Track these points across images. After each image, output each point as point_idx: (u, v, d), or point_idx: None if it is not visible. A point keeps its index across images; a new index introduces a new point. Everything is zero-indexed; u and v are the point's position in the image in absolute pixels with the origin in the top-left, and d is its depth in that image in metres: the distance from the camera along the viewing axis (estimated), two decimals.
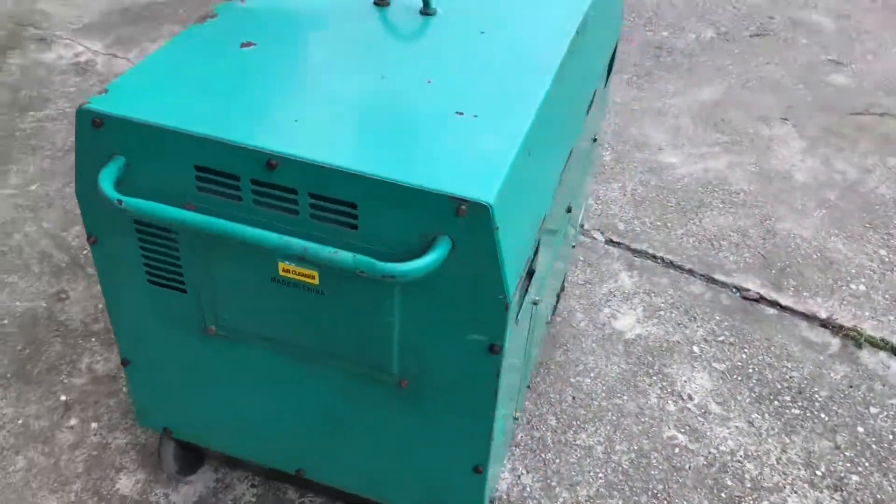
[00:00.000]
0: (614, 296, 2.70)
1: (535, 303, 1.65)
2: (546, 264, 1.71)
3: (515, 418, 1.88)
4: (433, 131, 1.36)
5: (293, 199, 1.31)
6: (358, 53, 1.55)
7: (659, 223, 3.03)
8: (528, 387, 2.03)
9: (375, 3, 1.72)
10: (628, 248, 2.90)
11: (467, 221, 1.24)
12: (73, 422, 2.18)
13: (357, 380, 1.54)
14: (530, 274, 1.54)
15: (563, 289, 2.56)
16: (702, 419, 2.31)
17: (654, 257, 2.87)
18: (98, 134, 1.36)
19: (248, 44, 1.55)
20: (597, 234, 2.95)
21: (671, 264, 2.84)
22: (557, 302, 2.55)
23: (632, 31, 4.35)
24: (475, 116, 1.40)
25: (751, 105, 3.78)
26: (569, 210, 1.90)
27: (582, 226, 2.56)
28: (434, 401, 1.51)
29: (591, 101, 1.84)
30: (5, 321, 2.46)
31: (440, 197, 1.22)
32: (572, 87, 1.67)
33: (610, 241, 2.93)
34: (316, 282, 1.40)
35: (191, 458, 2.00)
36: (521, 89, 1.48)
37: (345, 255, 1.23)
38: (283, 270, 1.41)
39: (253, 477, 2.06)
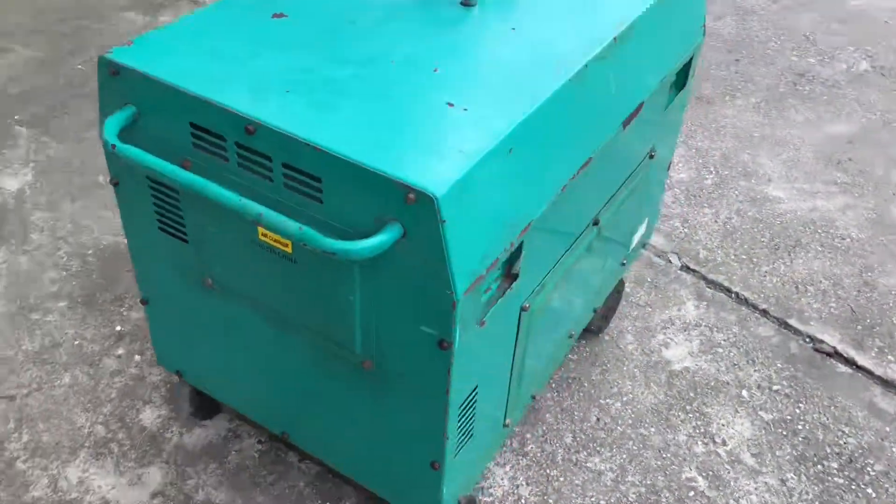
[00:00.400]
0: (673, 324, 2.58)
1: (524, 309, 1.61)
2: (547, 272, 1.66)
3: (506, 425, 1.84)
4: (415, 119, 1.36)
5: (269, 167, 1.36)
6: (379, 36, 1.57)
7: (744, 256, 2.85)
8: (533, 397, 1.98)
9: None
10: (703, 278, 2.75)
11: (416, 210, 1.23)
12: (120, 351, 2.35)
13: (327, 355, 1.56)
14: (512, 277, 1.51)
15: (612, 307, 2.47)
16: (729, 467, 2.17)
17: (728, 291, 2.70)
18: (114, 82, 1.46)
19: (280, 15, 1.61)
20: (673, 258, 2.82)
21: (745, 301, 2.67)
22: (604, 320, 2.46)
23: (775, 54, 4.09)
24: (465, 109, 1.38)
25: (889, 146, 3.47)
26: (595, 223, 1.83)
27: (644, 245, 2.46)
28: (393, 388, 1.51)
29: (633, 114, 1.76)
30: (90, 251, 2.68)
31: (391, 182, 1.22)
32: (599, 94, 1.61)
33: (686, 268, 2.79)
34: (290, 250, 1.44)
35: (206, 403, 2.10)
36: (525, 89, 1.45)
37: (292, 225, 1.26)
38: (262, 234, 1.46)
39: (261, 433, 2.15)
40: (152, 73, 1.40)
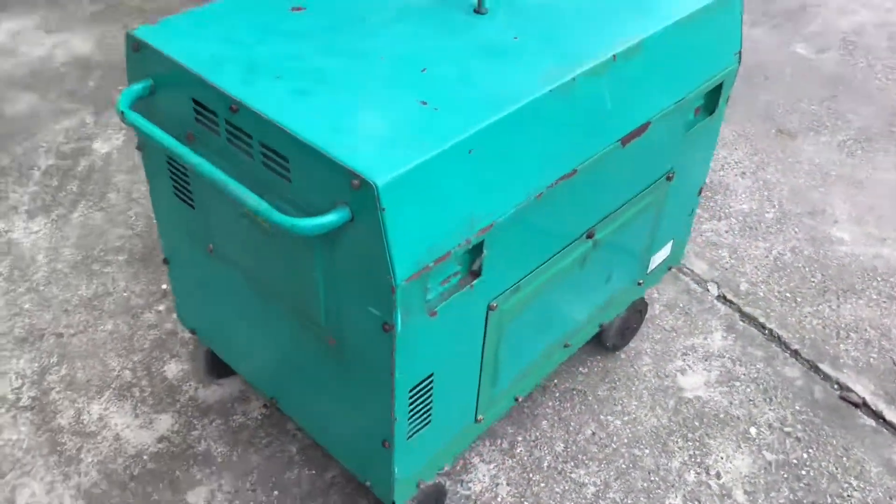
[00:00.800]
0: (695, 351, 2.54)
1: (491, 308, 1.67)
2: (522, 276, 1.71)
3: (478, 421, 1.89)
4: (384, 112, 1.44)
5: (249, 143, 1.48)
6: (383, 35, 1.66)
7: (788, 295, 2.76)
8: (517, 399, 2.01)
9: None
10: (739, 310, 2.69)
11: (360, 196, 1.32)
12: (161, 307, 2.56)
13: (302, 327, 1.67)
14: (474, 273, 1.57)
15: (631, 326, 2.46)
16: (717, 500, 2.13)
17: (762, 327, 2.64)
18: (137, 57, 1.63)
19: (299, 8, 1.73)
20: (711, 287, 2.77)
21: (777, 339, 2.59)
22: (621, 338, 2.46)
23: (878, 93, 3.91)
24: (436, 109, 1.46)
25: None
26: (590, 236, 1.86)
27: (670, 268, 2.44)
28: (351, 365, 1.60)
29: (635, 132, 1.77)
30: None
31: (340, 167, 1.32)
32: (590, 108, 1.64)
33: (722, 298, 2.74)
34: (268, 224, 1.56)
35: (218, 363, 2.25)
36: (504, 96, 1.50)
37: (253, 198, 1.37)
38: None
39: (267, 399, 2.29)
40: (165, 51, 1.56)
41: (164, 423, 2.23)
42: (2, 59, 3.77)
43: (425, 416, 1.68)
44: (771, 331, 2.63)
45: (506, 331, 1.77)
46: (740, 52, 2.06)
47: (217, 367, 2.28)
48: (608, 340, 2.43)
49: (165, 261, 2.03)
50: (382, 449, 1.66)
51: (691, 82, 1.92)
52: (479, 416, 1.89)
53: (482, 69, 1.58)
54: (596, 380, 2.43)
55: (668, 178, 2.06)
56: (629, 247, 2.10)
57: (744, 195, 3.21)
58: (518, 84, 1.54)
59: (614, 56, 1.65)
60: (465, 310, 1.60)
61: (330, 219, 1.34)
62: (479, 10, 1.76)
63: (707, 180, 3.27)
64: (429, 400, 1.66)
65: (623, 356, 2.51)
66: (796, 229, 3.05)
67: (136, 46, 1.61)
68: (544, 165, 1.60)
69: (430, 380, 1.62)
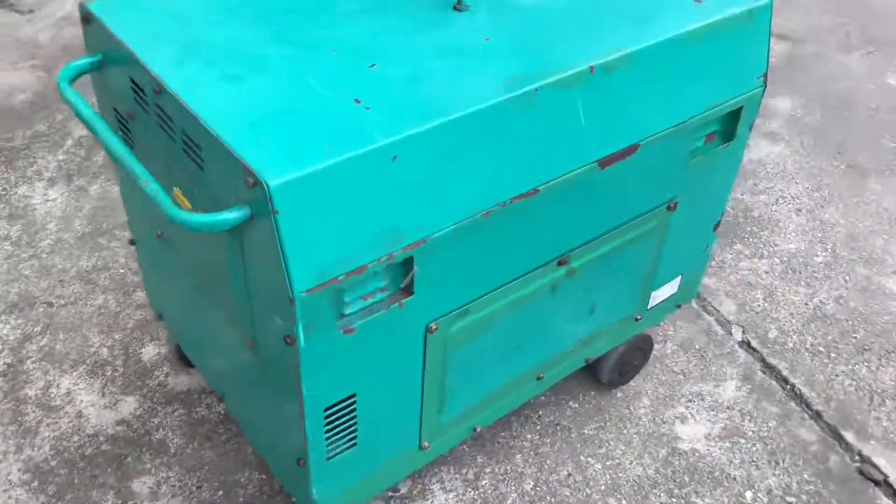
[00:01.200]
0: (702, 399, 2.32)
1: (430, 330, 1.53)
2: (472, 299, 1.56)
3: (423, 448, 1.76)
4: (310, 107, 1.33)
5: (173, 128, 1.39)
6: (345, 26, 1.54)
7: (822, 349, 2.49)
8: (475, 429, 1.86)
9: None
10: (761, 359, 2.45)
11: (256, 196, 1.21)
12: None
13: (229, 326, 1.58)
14: (406, 291, 1.44)
15: (632, 364, 2.27)
16: None
17: (784, 381, 2.39)
18: (88, 30, 1.57)
19: None
20: (735, 331, 2.53)
21: (798, 397, 2.34)
22: (619, 375, 2.26)
23: None
24: (367, 109, 1.33)
25: None
26: (562, 263, 1.69)
27: (678, 306, 2.23)
28: (267, 374, 1.50)
29: (617, 154, 1.60)
30: None
31: (238, 162, 1.21)
32: (557, 123, 1.48)
33: (745, 344, 2.49)
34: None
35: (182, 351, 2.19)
36: (451, 102, 1.36)
37: (151, 187, 1.29)
38: (177, 195, 1.50)
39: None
40: (109, 25, 1.49)
41: (129, 406, 2.19)
42: (68, 28, 3.86)
43: (348, 438, 1.56)
44: (793, 386, 2.37)
45: (452, 356, 1.62)
46: (766, 76, 1.84)
47: (181, 356, 2.22)
48: (603, 376, 2.25)
49: (132, 242, 1.98)
50: (298, 467, 1.55)
51: (696, 105, 1.72)
52: (425, 444, 1.75)
53: (437, 70, 1.44)
54: (584, 417, 2.25)
55: (670, 209, 1.86)
56: (619, 279, 1.91)
57: (794, 234, 2.93)
58: (472, 89, 1.40)
59: (591, 68, 1.48)
60: (394, 330, 1.47)
61: (224, 217, 1.24)
62: (458, 7, 1.62)
63: (756, 213, 3.02)
64: (351, 422, 1.54)
65: (620, 394, 2.32)
66: (846, 277, 2.77)
67: (86, 19, 1.55)
68: (494, 181, 1.45)
69: (351, 400, 1.50)
